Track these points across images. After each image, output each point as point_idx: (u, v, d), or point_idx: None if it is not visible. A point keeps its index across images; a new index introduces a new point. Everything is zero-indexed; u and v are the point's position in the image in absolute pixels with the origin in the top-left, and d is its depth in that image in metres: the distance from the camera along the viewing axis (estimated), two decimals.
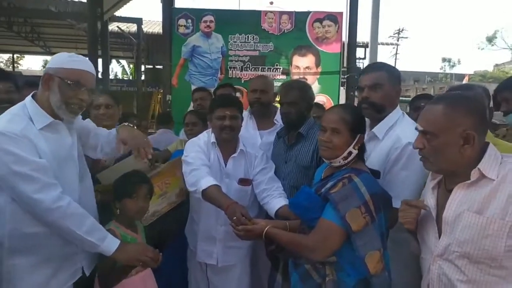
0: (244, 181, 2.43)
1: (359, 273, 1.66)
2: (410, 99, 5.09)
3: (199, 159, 2.34)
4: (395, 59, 33.76)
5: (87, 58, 1.90)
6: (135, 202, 2.09)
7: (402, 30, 35.70)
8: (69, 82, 1.74)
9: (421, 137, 1.48)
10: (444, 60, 45.78)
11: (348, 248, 1.67)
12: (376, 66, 2.21)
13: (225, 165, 2.43)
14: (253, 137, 2.80)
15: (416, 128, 1.50)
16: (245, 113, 2.82)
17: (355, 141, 1.77)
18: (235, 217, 1.96)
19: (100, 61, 8.23)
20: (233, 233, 1.98)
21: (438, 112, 1.42)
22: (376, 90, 2.04)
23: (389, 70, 2.10)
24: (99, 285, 2.01)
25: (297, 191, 2.22)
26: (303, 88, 2.56)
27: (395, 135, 2.00)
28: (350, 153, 1.77)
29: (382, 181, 1.90)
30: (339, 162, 1.79)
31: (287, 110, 2.49)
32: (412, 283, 2.06)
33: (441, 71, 45.00)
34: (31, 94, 1.82)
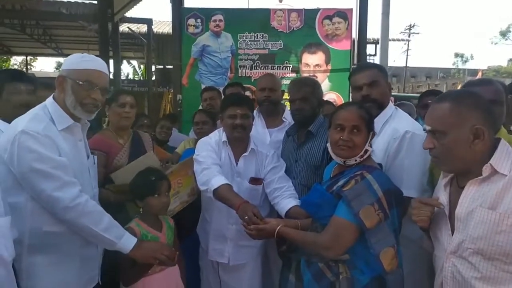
0: (255, 180, 2.43)
1: (373, 271, 1.65)
2: None
3: (210, 158, 2.34)
4: (407, 55, 33.32)
5: (102, 60, 1.91)
6: (158, 199, 2.13)
7: (414, 25, 35.15)
8: (80, 82, 1.76)
9: (430, 137, 1.46)
10: (456, 55, 45.09)
11: (361, 246, 1.66)
12: (368, 65, 2.35)
13: (236, 164, 2.43)
14: (262, 135, 2.80)
15: (424, 129, 1.49)
16: (254, 112, 2.82)
17: (369, 139, 1.78)
18: (246, 217, 1.96)
19: (111, 61, 8.32)
20: (245, 232, 1.99)
21: (445, 109, 1.41)
22: (375, 87, 2.08)
23: (380, 68, 2.19)
24: (121, 280, 2.04)
25: (307, 190, 2.24)
26: (314, 84, 2.56)
27: (392, 128, 2.04)
28: (366, 151, 1.76)
29: (387, 174, 1.90)
30: (355, 160, 1.77)
31: (299, 106, 2.47)
32: (421, 280, 2.06)
33: (454, 66, 44.36)
34: (51, 96, 1.85)
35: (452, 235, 1.45)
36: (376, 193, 1.64)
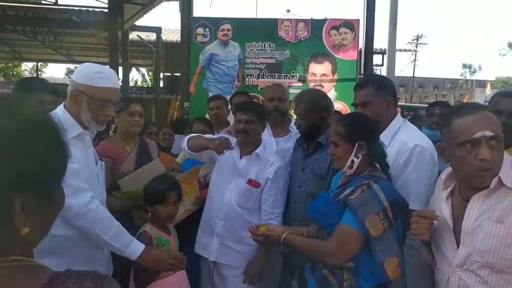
0: (253, 182, 2.48)
1: (377, 279, 1.66)
2: None
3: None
4: (414, 65, 33.32)
5: (112, 70, 1.97)
6: (165, 209, 2.19)
7: (421, 36, 35.26)
8: (98, 101, 1.81)
9: (487, 146, 1.37)
10: (464, 66, 44.96)
11: (366, 254, 1.68)
12: (361, 84, 2.31)
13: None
14: (269, 144, 2.84)
15: (480, 138, 1.37)
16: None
17: (354, 150, 1.81)
18: (253, 227, 2.05)
19: (120, 68, 8.42)
20: (232, 232, 2.14)
21: (493, 117, 1.42)
22: (366, 108, 2.11)
23: (376, 84, 2.15)
24: (134, 282, 2.09)
25: (312, 199, 2.26)
26: (313, 99, 2.52)
27: (400, 140, 2.06)
28: (352, 161, 1.82)
29: (395, 186, 1.93)
30: (347, 171, 1.84)
31: (298, 123, 2.54)
32: None
33: (462, 77, 44.19)
34: (62, 104, 1.89)
35: (458, 248, 1.45)
36: (382, 202, 1.66)
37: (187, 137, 2.68)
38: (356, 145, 1.81)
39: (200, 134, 2.68)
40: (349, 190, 1.76)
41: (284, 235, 1.92)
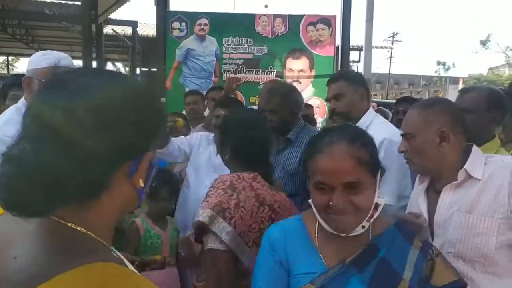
0: None
1: None
2: None
3: (177, 141, 2.57)
4: (390, 62, 33.90)
5: (66, 55, 1.88)
6: (155, 204, 2.17)
7: (397, 33, 35.94)
8: (44, 81, 1.74)
9: (404, 141, 1.57)
10: (439, 63, 45.98)
11: None
12: (334, 77, 2.31)
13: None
14: None
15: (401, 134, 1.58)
16: None
17: (377, 182, 1.21)
18: None
19: (94, 63, 8.22)
20: None
21: (414, 114, 1.56)
22: (339, 100, 2.13)
23: (349, 77, 2.18)
24: None
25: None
26: (285, 94, 2.43)
27: (371, 134, 2.01)
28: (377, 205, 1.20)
29: None
30: (362, 227, 1.17)
31: (269, 118, 2.36)
32: None
33: (436, 74, 45.23)
34: (23, 97, 1.83)
35: (432, 240, 1.48)
36: None
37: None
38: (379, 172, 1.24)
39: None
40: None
41: None
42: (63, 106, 0.64)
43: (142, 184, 0.73)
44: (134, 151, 0.70)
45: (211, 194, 1.51)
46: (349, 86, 2.13)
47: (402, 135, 1.58)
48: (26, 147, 0.63)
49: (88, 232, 0.66)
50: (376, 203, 1.17)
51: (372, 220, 1.17)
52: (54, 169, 0.61)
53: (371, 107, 2.20)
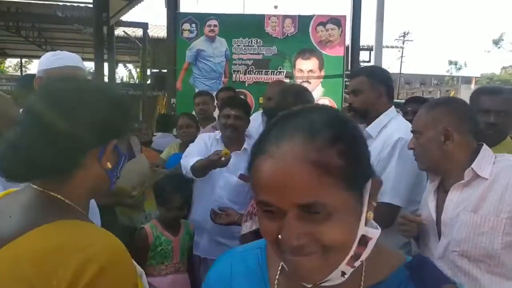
0: (244, 177, 2.49)
1: None
2: None
3: (195, 148, 2.54)
4: (401, 62, 33.63)
5: (75, 54, 1.90)
6: (167, 212, 2.18)
7: (408, 33, 35.64)
8: None
9: (413, 138, 1.61)
10: (450, 62, 45.53)
11: None
12: (355, 72, 2.30)
13: None
14: None
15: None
16: (258, 114, 2.88)
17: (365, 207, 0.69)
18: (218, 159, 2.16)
19: (106, 65, 8.32)
20: (224, 228, 2.15)
21: (423, 112, 1.59)
22: (357, 96, 2.09)
23: (370, 74, 2.13)
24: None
25: None
26: (298, 94, 2.42)
27: (387, 132, 2.02)
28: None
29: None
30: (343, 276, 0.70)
31: None
32: None
33: (448, 73, 44.76)
34: None
35: (439, 240, 1.48)
36: None
37: (190, 166, 2.39)
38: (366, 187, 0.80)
39: (201, 159, 2.41)
40: None
41: (237, 217, 2.05)
42: (46, 102, 0.87)
43: (110, 166, 0.92)
44: (100, 139, 0.89)
45: None
46: (368, 83, 2.08)
47: (412, 131, 1.61)
48: (18, 131, 0.86)
49: (66, 200, 0.86)
50: (363, 236, 0.67)
51: (359, 262, 0.68)
52: (34, 149, 0.83)
53: (392, 107, 2.13)
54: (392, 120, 2.08)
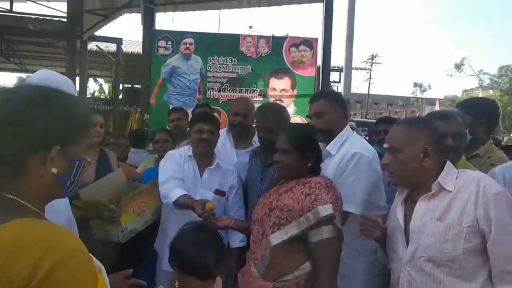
0: (219, 192, 2.55)
1: None
2: None
3: (170, 171, 2.50)
4: (369, 83, 34.69)
5: (68, 80, 1.90)
6: (199, 283, 1.64)
7: (376, 55, 36.82)
8: None
9: (388, 154, 1.67)
10: (415, 85, 47.15)
11: None
12: (317, 96, 2.47)
13: (201, 176, 2.56)
14: (230, 155, 2.90)
15: (384, 147, 1.69)
16: (223, 131, 2.92)
17: None
18: (204, 214, 2.11)
19: (77, 79, 8.21)
20: None
21: (401, 130, 1.66)
22: (320, 118, 2.25)
23: (330, 97, 2.33)
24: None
25: None
26: (276, 112, 2.66)
27: (345, 148, 2.20)
28: None
29: None
30: None
31: (264, 136, 2.59)
32: None
33: (413, 95, 46.38)
34: None
35: (408, 246, 1.61)
36: None
37: (173, 200, 2.33)
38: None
39: (188, 195, 2.34)
40: None
41: (232, 222, 2.12)
42: None
43: (56, 171, 0.93)
44: (41, 144, 0.92)
45: (317, 192, 1.76)
46: (329, 105, 2.27)
47: (387, 148, 1.68)
48: None
49: (23, 202, 0.91)
50: None
51: None
52: None
53: (348, 125, 2.34)
54: (349, 137, 2.27)
